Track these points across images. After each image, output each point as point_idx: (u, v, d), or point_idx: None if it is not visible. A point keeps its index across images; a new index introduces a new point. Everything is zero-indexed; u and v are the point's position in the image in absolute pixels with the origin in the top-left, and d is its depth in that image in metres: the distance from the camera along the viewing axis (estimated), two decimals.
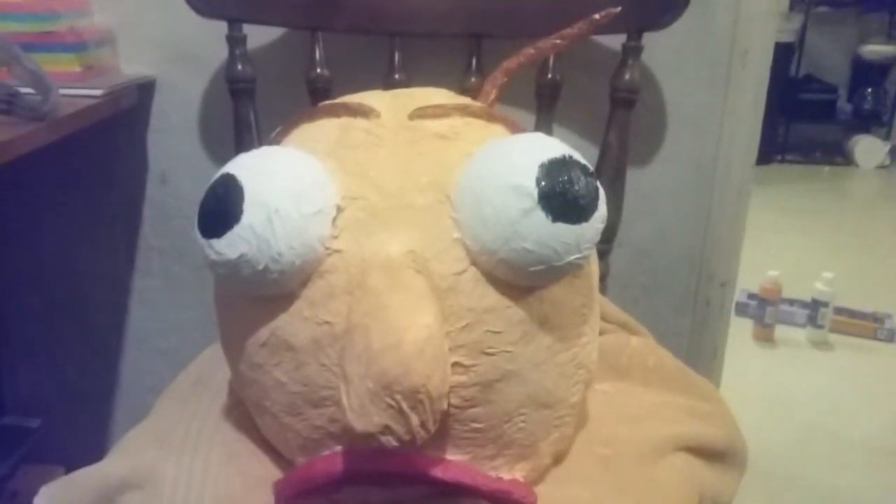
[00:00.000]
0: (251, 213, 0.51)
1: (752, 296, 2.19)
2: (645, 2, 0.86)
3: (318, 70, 0.90)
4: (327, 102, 0.63)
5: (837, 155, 4.07)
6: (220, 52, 0.96)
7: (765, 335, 2.11)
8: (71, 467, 0.64)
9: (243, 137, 0.92)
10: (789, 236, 2.91)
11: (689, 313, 1.09)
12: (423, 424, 0.48)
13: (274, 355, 0.55)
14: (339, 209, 0.53)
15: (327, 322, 0.52)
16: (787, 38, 3.77)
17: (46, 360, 1.21)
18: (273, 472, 0.60)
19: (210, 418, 0.68)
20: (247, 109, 0.91)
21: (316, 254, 0.52)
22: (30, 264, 1.16)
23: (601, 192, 0.53)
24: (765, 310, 2.09)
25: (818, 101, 4.02)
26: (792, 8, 3.84)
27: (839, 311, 2.14)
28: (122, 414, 1.23)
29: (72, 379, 1.21)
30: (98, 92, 0.90)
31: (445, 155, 0.56)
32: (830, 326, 2.10)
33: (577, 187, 0.51)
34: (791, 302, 2.19)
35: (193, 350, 0.85)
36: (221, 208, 0.52)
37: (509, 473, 0.57)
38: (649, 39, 0.89)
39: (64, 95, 0.82)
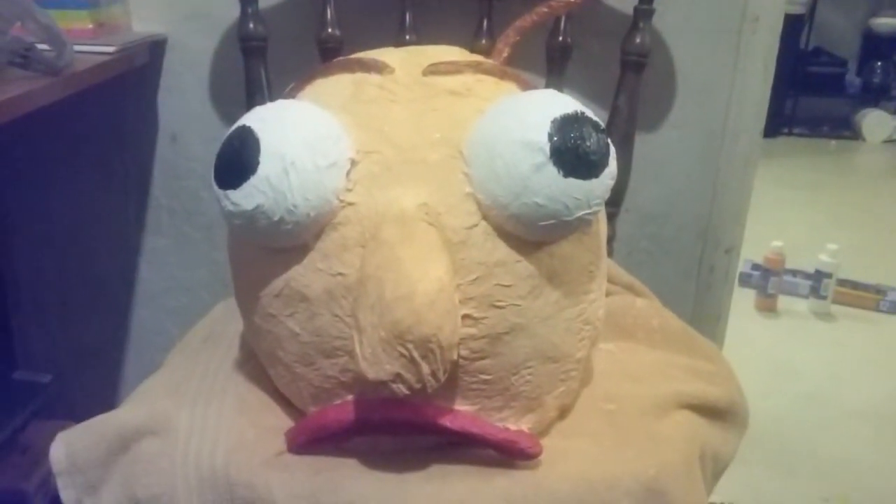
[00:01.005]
0: (267, 165, 0.51)
1: (755, 266, 2.19)
2: None
3: (330, 30, 0.91)
4: (342, 58, 0.64)
5: (845, 129, 4.04)
6: (232, 11, 0.96)
7: (768, 305, 2.12)
8: (81, 422, 0.65)
9: (254, 97, 0.92)
10: (795, 209, 2.91)
11: (693, 279, 1.10)
12: (433, 373, 0.49)
13: (288, 306, 0.56)
14: (354, 163, 0.54)
15: (340, 273, 0.53)
16: (797, 10, 3.74)
17: (57, 317, 1.22)
18: (285, 422, 0.61)
19: (222, 370, 0.69)
20: (258, 68, 0.91)
21: (330, 206, 0.53)
22: (40, 222, 1.17)
23: (612, 148, 0.54)
24: (768, 280, 2.10)
25: (827, 74, 3.99)
26: None
27: (842, 282, 2.14)
28: (131, 371, 1.24)
29: (82, 336, 1.23)
30: (110, 49, 0.90)
31: (458, 111, 0.57)
32: (833, 298, 2.11)
33: (588, 143, 0.51)
34: (794, 273, 2.20)
35: (202, 309, 0.86)
36: (238, 160, 0.52)
37: (516, 425, 0.58)
38: (661, 3, 0.89)
39: (76, 52, 0.83)
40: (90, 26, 0.93)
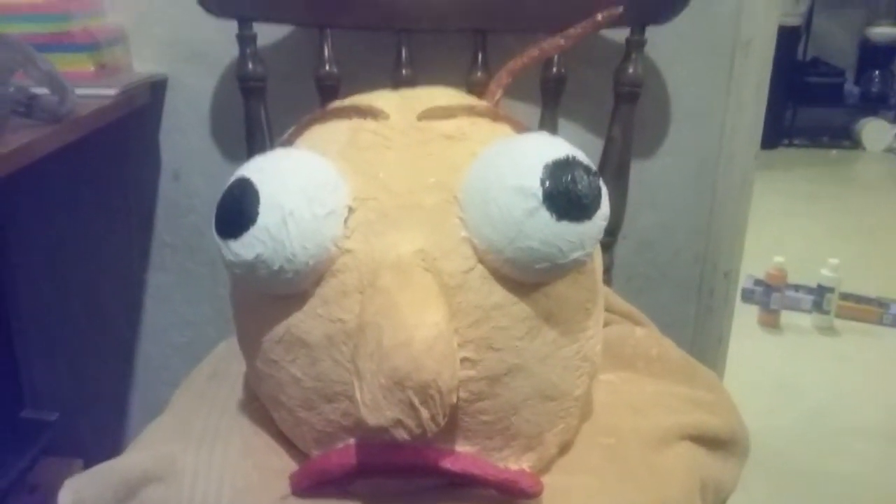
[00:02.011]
0: (266, 215, 0.52)
1: (758, 282, 2.20)
2: None
3: (327, 67, 0.92)
4: (337, 104, 0.65)
5: (845, 138, 4.05)
6: (231, 50, 0.97)
7: (770, 321, 2.12)
8: (88, 459, 0.65)
9: (255, 135, 0.93)
10: (796, 220, 2.91)
11: (693, 303, 1.11)
12: (433, 418, 0.50)
13: (289, 352, 0.57)
14: (351, 210, 0.55)
15: (340, 319, 0.54)
16: (794, 21, 3.76)
17: (63, 355, 1.23)
18: (289, 465, 0.62)
19: (227, 412, 0.70)
20: (258, 107, 0.93)
21: (329, 254, 0.54)
22: (46, 261, 1.18)
23: (604, 190, 0.54)
24: (770, 296, 2.10)
25: (825, 84, 4.00)
26: None
27: (845, 296, 2.14)
28: (137, 407, 1.25)
29: (88, 373, 1.24)
30: (112, 91, 0.91)
31: (452, 155, 0.58)
32: (836, 312, 2.11)
33: (580, 187, 0.52)
34: (797, 288, 2.20)
35: (207, 344, 0.87)
36: (237, 210, 0.53)
37: (516, 464, 0.59)
38: (652, 32, 0.90)
39: (78, 95, 0.84)
40: (92, 69, 0.95)
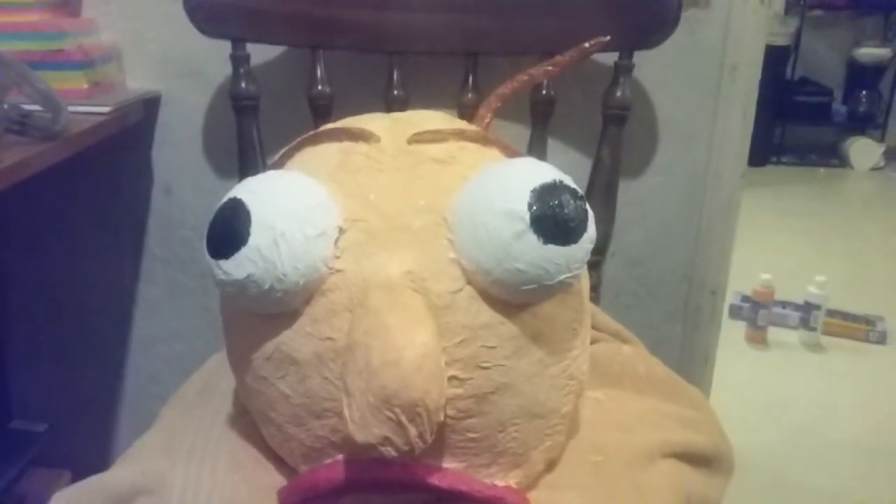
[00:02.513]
0: (258, 236, 0.53)
1: (745, 298, 2.21)
2: (636, 22, 0.89)
3: (320, 87, 0.93)
4: (329, 126, 0.65)
5: (832, 157, 4.10)
6: (224, 68, 0.99)
7: (758, 337, 2.14)
8: (77, 471, 0.66)
9: (247, 152, 0.94)
10: (784, 238, 2.94)
11: (680, 320, 1.12)
12: (421, 436, 0.50)
13: (279, 369, 0.58)
14: (341, 231, 0.56)
15: (329, 338, 0.55)
16: (783, 41, 3.81)
17: (53, 366, 1.23)
18: (277, 480, 0.63)
19: (216, 427, 0.70)
20: (250, 126, 0.94)
21: (319, 274, 0.55)
22: (37, 274, 1.18)
23: (590, 214, 0.56)
24: (758, 312, 2.12)
25: (813, 103, 4.05)
26: (787, 11, 3.88)
27: (831, 313, 2.16)
28: (126, 419, 1.25)
29: (77, 385, 1.24)
30: (105, 109, 0.92)
31: (442, 179, 0.59)
32: (823, 329, 2.13)
33: (566, 211, 0.53)
34: (784, 304, 2.22)
35: (197, 357, 0.87)
36: (229, 231, 0.54)
37: (503, 480, 0.59)
38: (641, 56, 0.91)
39: (72, 112, 0.85)
40: (85, 86, 0.96)
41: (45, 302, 1.20)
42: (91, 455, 1.24)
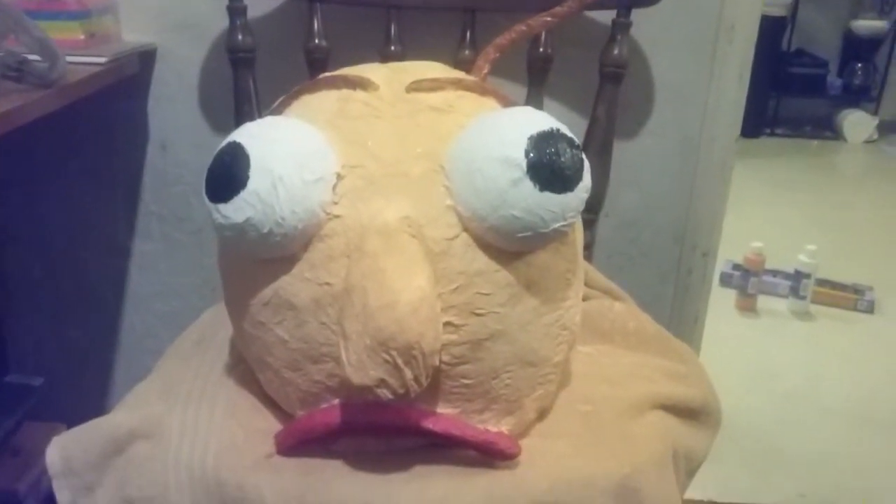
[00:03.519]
0: (256, 180, 0.54)
1: (736, 266, 2.23)
2: None
3: (317, 41, 0.93)
4: (327, 74, 0.66)
5: (826, 129, 4.09)
6: (220, 21, 0.98)
7: (748, 305, 2.15)
8: (72, 424, 0.66)
9: (243, 106, 0.94)
10: (776, 209, 2.95)
11: (671, 282, 1.13)
12: (416, 378, 0.52)
13: (276, 314, 0.58)
14: (339, 177, 0.57)
15: (327, 283, 0.56)
16: (779, 11, 3.78)
17: (49, 321, 1.24)
18: (273, 425, 0.64)
19: (213, 374, 0.71)
20: (247, 79, 0.94)
21: (317, 219, 0.55)
22: (32, 228, 1.18)
23: (586, 163, 0.56)
24: (748, 280, 2.13)
25: (808, 75, 4.04)
26: None
27: (821, 282, 2.18)
28: (121, 374, 1.26)
29: (73, 340, 1.25)
30: (102, 59, 0.92)
31: (440, 127, 0.59)
32: (812, 297, 2.15)
33: (563, 159, 0.54)
34: (774, 273, 2.23)
35: (192, 313, 0.88)
36: (228, 174, 0.55)
37: (496, 427, 0.61)
38: (638, 15, 0.91)
39: (68, 62, 0.84)
40: (82, 37, 0.95)
41: (40, 257, 1.20)
42: (87, 409, 1.23)
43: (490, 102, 0.63)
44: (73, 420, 0.67)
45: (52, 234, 1.18)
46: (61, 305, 1.23)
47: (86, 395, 1.26)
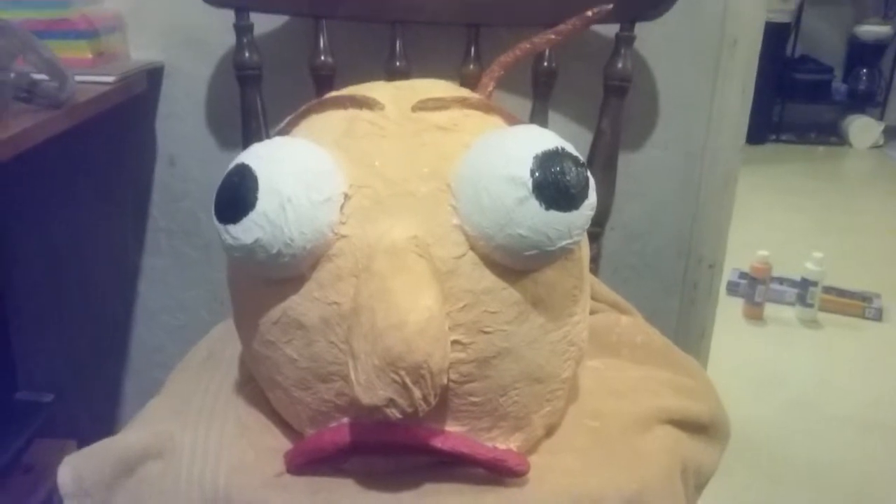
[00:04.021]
0: (265, 201, 0.54)
1: (742, 275, 2.23)
2: None
3: (322, 57, 0.93)
4: (334, 94, 0.66)
5: (832, 135, 4.10)
6: (227, 38, 0.99)
7: (755, 313, 2.15)
8: (83, 441, 0.67)
9: (250, 122, 0.95)
10: (782, 215, 2.95)
11: (677, 294, 1.13)
12: (424, 398, 0.52)
13: (285, 333, 0.59)
14: (347, 197, 0.57)
15: (335, 302, 0.56)
16: (783, 18, 3.79)
17: (58, 337, 1.24)
18: (283, 443, 0.64)
19: (222, 392, 0.71)
20: (254, 95, 0.94)
21: (325, 239, 0.56)
22: (42, 245, 1.19)
23: (591, 181, 0.56)
24: (755, 288, 2.13)
25: (813, 81, 4.04)
26: None
27: (828, 290, 2.18)
28: (131, 389, 1.27)
29: (83, 355, 1.25)
30: (110, 79, 0.93)
31: (446, 146, 0.60)
32: (819, 305, 2.14)
33: (568, 177, 0.54)
34: (781, 281, 2.23)
35: (200, 327, 0.88)
36: (237, 196, 0.55)
37: (504, 444, 0.61)
38: (642, 29, 0.92)
39: (77, 82, 0.85)
40: (90, 56, 0.96)
41: (49, 272, 1.21)
42: (97, 424, 1.26)
43: (495, 120, 0.64)
44: (83, 436, 0.68)
45: (61, 250, 1.19)
46: (70, 321, 1.23)
47: (96, 411, 1.26)
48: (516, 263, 0.56)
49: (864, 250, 2.64)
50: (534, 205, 0.53)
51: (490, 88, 0.70)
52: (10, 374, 1.25)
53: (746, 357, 1.95)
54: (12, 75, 0.77)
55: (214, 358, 0.78)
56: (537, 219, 0.53)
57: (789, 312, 2.18)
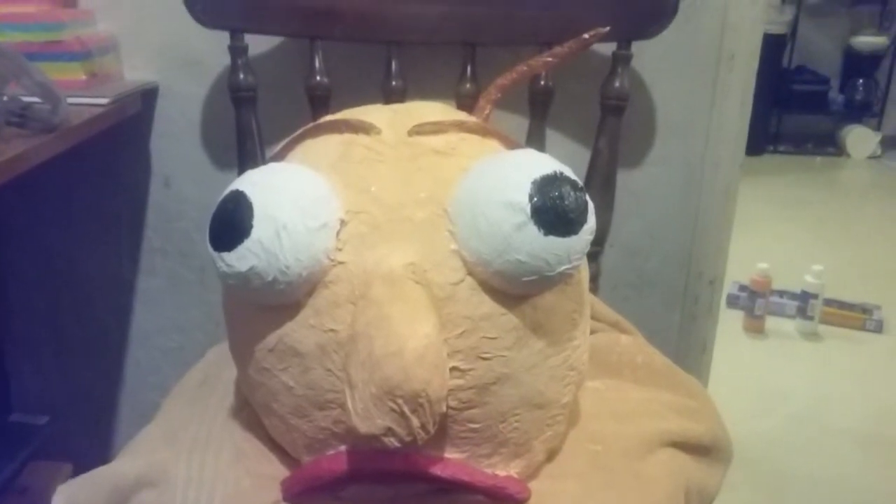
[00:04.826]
0: (260, 228, 0.53)
1: (742, 288, 2.22)
2: (634, 12, 0.89)
3: (318, 78, 0.93)
4: (329, 118, 0.66)
5: (829, 145, 4.10)
6: (222, 59, 0.99)
7: (755, 326, 2.15)
8: (78, 463, 0.66)
9: (245, 143, 0.94)
10: (781, 227, 2.94)
11: (677, 310, 1.13)
12: (423, 426, 0.51)
13: (281, 361, 0.58)
14: (343, 223, 0.56)
15: (332, 329, 0.55)
16: (780, 29, 3.80)
17: (52, 359, 1.23)
18: (280, 471, 0.63)
19: (218, 419, 0.70)
20: (249, 117, 0.94)
21: (321, 266, 0.55)
22: (36, 266, 1.18)
23: (590, 205, 0.56)
24: (755, 301, 2.13)
25: (810, 91, 4.05)
26: (784, 0, 3.87)
27: (829, 302, 2.17)
28: (126, 411, 1.26)
29: (77, 378, 1.24)
30: (104, 101, 0.92)
31: (443, 170, 0.59)
32: (820, 318, 2.14)
33: (567, 202, 0.53)
34: (781, 293, 2.23)
35: (196, 349, 0.88)
36: (232, 223, 0.54)
37: (505, 470, 0.60)
38: (638, 47, 0.91)
39: (70, 104, 0.84)
40: (83, 77, 0.96)
41: (44, 294, 1.20)
42: (92, 447, 1.25)
43: (493, 144, 0.63)
44: (78, 458, 0.67)
45: (56, 271, 1.18)
46: (65, 343, 1.22)
47: (91, 434, 1.25)
48: (515, 289, 0.56)
49: (865, 262, 2.64)
50: (532, 230, 0.53)
51: (487, 111, 0.70)
52: (4, 395, 1.24)
53: (747, 370, 1.94)
54: (4, 98, 0.77)
55: (210, 382, 0.78)
56: (536, 244, 0.53)
57: (790, 325, 2.18)
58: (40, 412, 1.23)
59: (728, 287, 2.20)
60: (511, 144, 0.64)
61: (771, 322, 2.17)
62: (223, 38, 0.92)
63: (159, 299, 1.19)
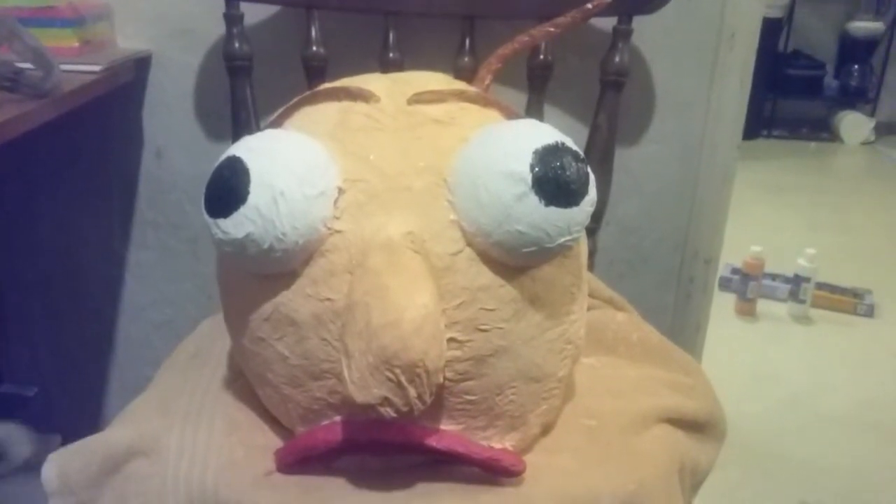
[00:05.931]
0: (257, 195, 0.53)
1: (735, 270, 2.22)
2: None
3: (314, 48, 0.92)
4: (327, 86, 0.65)
5: (823, 131, 4.10)
6: (217, 28, 0.97)
7: (747, 309, 2.15)
8: (67, 434, 0.65)
9: (240, 114, 0.93)
10: (774, 211, 2.95)
11: (673, 289, 1.12)
12: (419, 397, 0.51)
13: (276, 330, 0.57)
14: (341, 191, 0.56)
15: (328, 299, 0.55)
16: (776, 13, 3.79)
17: (43, 330, 1.23)
18: (274, 441, 0.63)
19: (211, 389, 0.70)
20: (244, 87, 0.92)
21: (318, 234, 0.54)
22: (27, 237, 1.17)
23: (591, 177, 0.55)
24: (747, 284, 2.13)
25: (805, 76, 4.04)
26: None
27: (821, 286, 2.17)
28: (116, 383, 1.25)
29: (68, 349, 1.23)
30: (97, 68, 0.91)
31: (442, 139, 0.58)
32: (812, 301, 2.14)
33: (568, 173, 0.53)
34: (773, 277, 2.23)
35: (187, 322, 0.87)
36: (228, 189, 0.54)
37: (500, 443, 0.60)
38: (639, 22, 0.91)
39: (62, 71, 0.83)
40: (76, 44, 0.94)
41: (34, 264, 1.19)
42: (81, 419, 1.24)
43: (493, 114, 0.63)
44: (67, 430, 0.66)
45: (46, 242, 1.17)
46: (56, 314, 1.21)
47: (81, 405, 1.25)
48: (514, 260, 0.55)
49: (857, 246, 2.64)
50: (533, 201, 0.52)
51: (487, 81, 0.69)
52: None
53: (738, 353, 1.94)
54: None
55: (202, 354, 0.77)
56: (536, 215, 0.52)
57: (782, 309, 2.18)
58: (30, 383, 1.23)
59: (721, 269, 2.20)
60: (511, 114, 0.63)
61: (763, 305, 2.17)
62: (218, 6, 0.90)
63: (151, 272, 1.18)
